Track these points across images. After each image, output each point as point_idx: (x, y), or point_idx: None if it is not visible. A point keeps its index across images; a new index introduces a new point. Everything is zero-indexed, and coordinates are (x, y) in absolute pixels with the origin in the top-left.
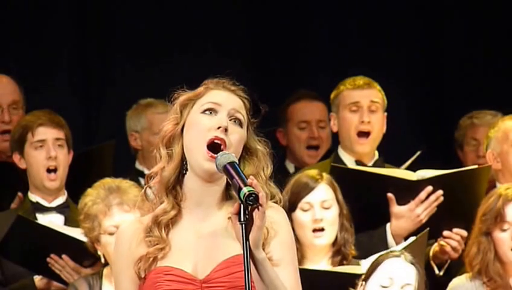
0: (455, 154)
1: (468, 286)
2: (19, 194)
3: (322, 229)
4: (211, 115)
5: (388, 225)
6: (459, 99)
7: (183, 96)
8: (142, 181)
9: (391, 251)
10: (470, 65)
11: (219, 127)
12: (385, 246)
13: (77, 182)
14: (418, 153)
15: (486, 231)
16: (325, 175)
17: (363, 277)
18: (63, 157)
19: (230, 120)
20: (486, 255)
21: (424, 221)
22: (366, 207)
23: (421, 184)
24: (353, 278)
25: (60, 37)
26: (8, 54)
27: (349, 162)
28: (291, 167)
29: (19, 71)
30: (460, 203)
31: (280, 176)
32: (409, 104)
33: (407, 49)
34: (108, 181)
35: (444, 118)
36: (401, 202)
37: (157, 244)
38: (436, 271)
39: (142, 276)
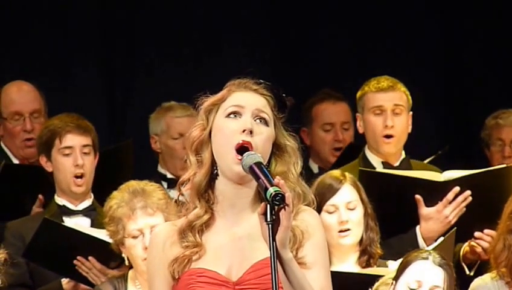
0: (481, 153)
1: (490, 286)
2: (40, 196)
3: (348, 230)
4: (236, 118)
5: (418, 227)
6: (483, 99)
7: (207, 101)
8: (164, 184)
9: (420, 251)
10: (494, 63)
11: (244, 130)
12: (416, 249)
13: (101, 183)
14: (439, 152)
15: None
16: (348, 175)
17: (393, 276)
18: (90, 164)
19: (255, 120)
20: None
21: (453, 222)
22: (395, 210)
23: (448, 185)
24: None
25: (86, 37)
26: (34, 55)
27: (376, 163)
28: (314, 167)
29: (45, 71)
30: (489, 203)
31: (303, 176)
32: (433, 103)
33: (431, 47)
34: (133, 184)
35: (467, 117)
36: (430, 203)
37: (192, 247)
38: (467, 271)
39: (176, 277)
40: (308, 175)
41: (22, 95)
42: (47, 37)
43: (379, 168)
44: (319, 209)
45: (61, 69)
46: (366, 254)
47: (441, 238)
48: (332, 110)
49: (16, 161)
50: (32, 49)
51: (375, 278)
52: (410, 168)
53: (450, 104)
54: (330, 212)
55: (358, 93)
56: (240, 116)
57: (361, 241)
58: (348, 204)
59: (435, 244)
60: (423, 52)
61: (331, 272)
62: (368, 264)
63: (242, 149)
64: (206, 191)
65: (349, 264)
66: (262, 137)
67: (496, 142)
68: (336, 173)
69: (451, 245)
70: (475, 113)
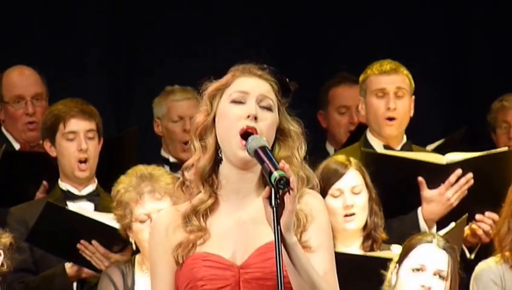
0: (488, 137)
1: (494, 270)
2: (44, 182)
3: (353, 214)
4: (240, 104)
5: (419, 209)
6: (488, 82)
7: (211, 86)
8: (167, 168)
9: (424, 234)
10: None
11: (249, 116)
12: (417, 230)
13: (106, 169)
14: (455, 133)
15: None
16: (353, 160)
17: (396, 259)
18: (94, 149)
19: (259, 106)
20: None
21: (454, 204)
22: (397, 191)
23: (450, 167)
24: (384, 262)
25: (90, 26)
26: (37, 42)
27: (378, 146)
28: (331, 150)
29: (48, 59)
30: (492, 186)
31: (320, 159)
32: (437, 87)
33: (436, 32)
34: (141, 168)
35: (472, 100)
36: (432, 186)
37: (196, 232)
38: (467, 254)
39: (180, 262)
40: (325, 158)
41: (24, 79)
42: (50, 23)
43: (390, 151)
44: (324, 194)
45: (65, 56)
46: (370, 239)
47: (453, 224)
48: (348, 93)
49: (17, 146)
50: (35, 34)
51: (380, 260)
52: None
53: (455, 87)
54: (335, 197)
55: (361, 77)
56: (244, 102)
57: (365, 226)
58: (353, 188)
59: (446, 229)
60: (428, 35)
61: (336, 253)
62: (371, 249)
63: (246, 134)
64: (210, 175)
65: (353, 248)
66: (267, 123)
67: (501, 124)
68: (341, 157)
69: (461, 231)
70: (481, 98)
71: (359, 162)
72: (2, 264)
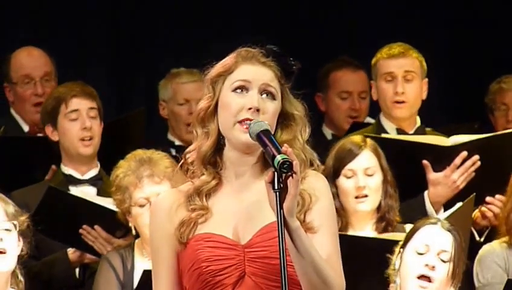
0: (487, 119)
1: (499, 253)
2: (53, 166)
3: (366, 196)
4: (242, 92)
5: (426, 192)
6: (489, 64)
7: (213, 71)
8: (173, 151)
9: (428, 218)
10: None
11: (250, 108)
12: (424, 213)
13: (110, 152)
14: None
15: None
16: (369, 141)
17: (400, 243)
18: (97, 128)
19: (261, 95)
20: None
21: (461, 187)
22: (403, 175)
23: (455, 150)
24: (396, 245)
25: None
26: (39, 26)
27: (391, 129)
28: (328, 133)
29: (51, 43)
30: (499, 168)
31: (316, 141)
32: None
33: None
34: (139, 153)
35: (475, 82)
36: (438, 168)
37: (198, 210)
38: (477, 237)
39: (184, 241)
40: (321, 141)
41: (32, 60)
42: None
43: (393, 135)
44: (337, 174)
45: (68, 41)
46: (383, 221)
47: (459, 204)
48: (350, 78)
49: (26, 128)
50: (39, 19)
51: (391, 243)
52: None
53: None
54: (348, 177)
55: (373, 60)
56: (246, 91)
57: (379, 208)
58: (366, 170)
59: (453, 209)
60: (436, 19)
61: (345, 235)
62: (385, 231)
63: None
64: (214, 156)
65: (367, 230)
66: (269, 115)
67: (500, 106)
68: (357, 138)
69: (469, 211)
70: (481, 79)
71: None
72: (22, 250)
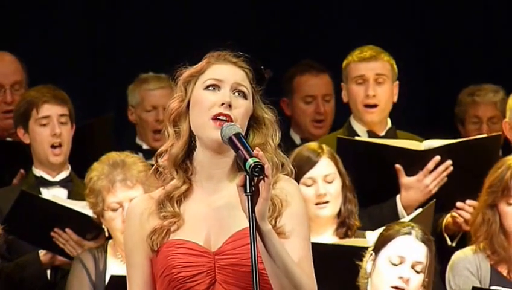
0: (456, 128)
1: (471, 259)
2: (21, 171)
3: (327, 202)
4: (214, 90)
5: (398, 196)
6: (459, 73)
7: (186, 73)
8: (140, 155)
9: (401, 224)
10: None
11: (223, 104)
12: (396, 217)
13: (79, 156)
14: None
15: (492, 204)
16: (326, 148)
17: (372, 247)
18: (67, 134)
19: (233, 94)
20: (491, 227)
21: (433, 191)
22: (375, 179)
23: (428, 154)
24: (359, 251)
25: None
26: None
27: (361, 132)
28: (296, 138)
29: (25, 42)
30: (471, 174)
31: (285, 146)
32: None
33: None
34: (113, 156)
35: (446, 90)
36: (410, 173)
37: (170, 218)
38: (449, 242)
39: (155, 249)
40: (290, 146)
41: (3, 66)
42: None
43: (364, 137)
44: (296, 182)
45: (42, 39)
46: (344, 226)
47: (420, 209)
48: (314, 82)
49: None
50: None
51: (354, 249)
52: (395, 138)
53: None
54: (308, 185)
55: (343, 63)
56: (218, 89)
57: (339, 214)
58: (326, 177)
59: (413, 215)
60: (404, 24)
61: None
62: (345, 236)
63: (218, 120)
64: (184, 161)
65: (327, 235)
66: (241, 110)
67: (471, 119)
68: (314, 145)
69: (430, 216)
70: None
71: (333, 150)
72: None
